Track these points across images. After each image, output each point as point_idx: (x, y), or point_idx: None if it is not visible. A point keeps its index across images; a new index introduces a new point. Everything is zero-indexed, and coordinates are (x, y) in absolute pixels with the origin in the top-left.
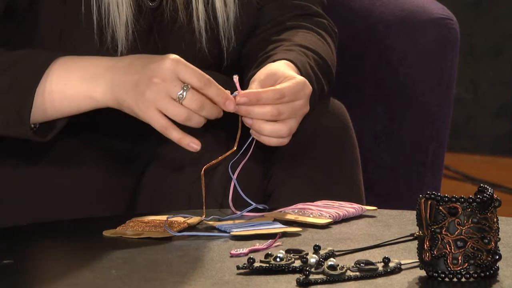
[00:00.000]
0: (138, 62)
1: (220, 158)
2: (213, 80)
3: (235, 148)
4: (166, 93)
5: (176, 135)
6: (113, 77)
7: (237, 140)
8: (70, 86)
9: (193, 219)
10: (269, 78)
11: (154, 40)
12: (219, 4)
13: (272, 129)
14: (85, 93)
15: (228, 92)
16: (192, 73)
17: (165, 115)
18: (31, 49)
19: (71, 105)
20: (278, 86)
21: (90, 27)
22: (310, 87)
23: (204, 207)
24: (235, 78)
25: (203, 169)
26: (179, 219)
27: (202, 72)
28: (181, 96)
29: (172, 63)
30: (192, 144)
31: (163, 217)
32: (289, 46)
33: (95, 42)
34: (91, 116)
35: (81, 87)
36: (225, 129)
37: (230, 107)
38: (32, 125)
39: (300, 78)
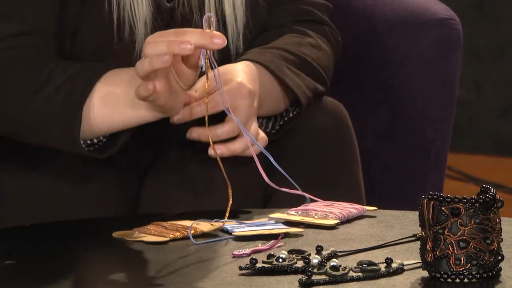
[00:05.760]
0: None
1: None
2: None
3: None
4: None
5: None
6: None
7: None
8: (115, 119)
9: (211, 226)
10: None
11: None
12: (227, 6)
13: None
14: (132, 121)
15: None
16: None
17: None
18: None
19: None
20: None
21: (110, 25)
22: (248, 86)
23: (226, 214)
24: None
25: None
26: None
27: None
28: None
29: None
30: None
31: (187, 222)
32: (263, 48)
33: (114, 40)
34: None
35: (127, 115)
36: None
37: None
38: (89, 142)
39: (235, 81)
